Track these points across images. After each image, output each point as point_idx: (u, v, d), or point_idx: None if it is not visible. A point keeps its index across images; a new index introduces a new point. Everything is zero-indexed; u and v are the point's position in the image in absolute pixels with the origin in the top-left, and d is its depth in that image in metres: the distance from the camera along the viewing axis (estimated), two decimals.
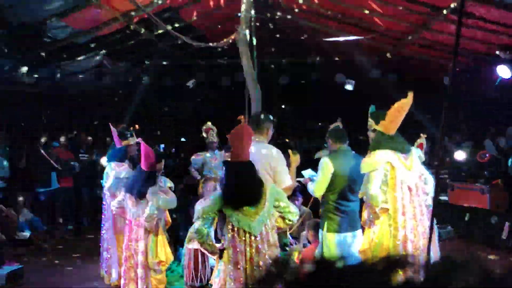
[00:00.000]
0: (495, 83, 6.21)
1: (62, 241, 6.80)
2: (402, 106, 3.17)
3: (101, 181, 4.91)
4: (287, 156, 3.40)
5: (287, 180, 3.23)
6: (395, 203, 3.12)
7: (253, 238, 2.57)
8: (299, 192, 5.07)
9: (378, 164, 3.15)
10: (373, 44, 7.14)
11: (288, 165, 3.34)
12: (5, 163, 6.67)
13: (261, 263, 2.54)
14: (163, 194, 3.59)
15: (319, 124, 11.44)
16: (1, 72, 6.42)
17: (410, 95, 3.18)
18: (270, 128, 3.42)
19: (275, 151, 3.28)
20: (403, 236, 3.10)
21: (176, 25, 6.50)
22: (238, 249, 2.57)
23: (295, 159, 3.42)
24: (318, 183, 3.66)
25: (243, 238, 2.58)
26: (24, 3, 4.96)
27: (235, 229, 2.59)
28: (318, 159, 3.84)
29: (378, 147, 3.22)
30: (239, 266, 2.56)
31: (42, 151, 6.78)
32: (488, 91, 6.88)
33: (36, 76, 6.43)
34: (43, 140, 7.04)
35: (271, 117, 3.51)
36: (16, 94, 7.85)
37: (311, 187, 3.84)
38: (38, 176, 6.80)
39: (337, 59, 8.09)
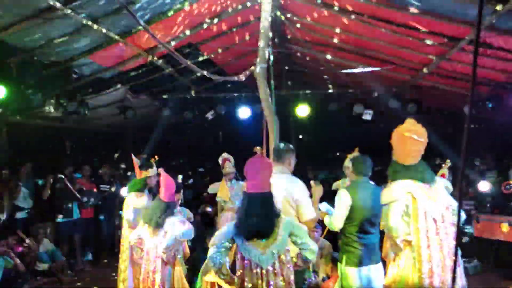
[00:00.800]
0: None
1: (81, 272, 6.82)
2: (402, 133, 3.12)
3: (120, 212, 4.96)
4: (308, 187, 3.34)
5: (311, 213, 3.16)
6: (418, 235, 2.99)
7: (264, 271, 2.50)
8: (317, 223, 4.97)
9: (398, 195, 3.07)
10: (391, 75, 7.16)
11: (311, 196, 3.27)
12: (29, 193, 6.85)
13: None
14: (181, 225, 3.58)
15: (337, 154, 11.37)
16: (30, 107, 6.74)
17: (408, 121, 3.15)
18: (292, 159, 3.38)
19: (298, 183, 3.22)
20: (429, 270, 2.96)
21: (196, 60, 6.73)
22: (247, 281, 2.51)
23: (318, 190, 3.36)
24: (336, 216, 3.56)
25: (255, 271, 2.51)
26: (53, 43, 5.25)
27: (246, 260, 2.54)
28: (336, 191, 3.78)
29: (395, 177, 3.15)
30: None
31: (67, 182, 6.94)
32: (511, 120, 6.73)
33: (62, 110, 6.71)
34: (67, 171, 7.21)
35: (292, 147, 3.48)
36: (43, 128, 8.17)
37: (328, 220, 3.75)
38: (59, 206, 6.93)
39: (355, 90, 8.14)
